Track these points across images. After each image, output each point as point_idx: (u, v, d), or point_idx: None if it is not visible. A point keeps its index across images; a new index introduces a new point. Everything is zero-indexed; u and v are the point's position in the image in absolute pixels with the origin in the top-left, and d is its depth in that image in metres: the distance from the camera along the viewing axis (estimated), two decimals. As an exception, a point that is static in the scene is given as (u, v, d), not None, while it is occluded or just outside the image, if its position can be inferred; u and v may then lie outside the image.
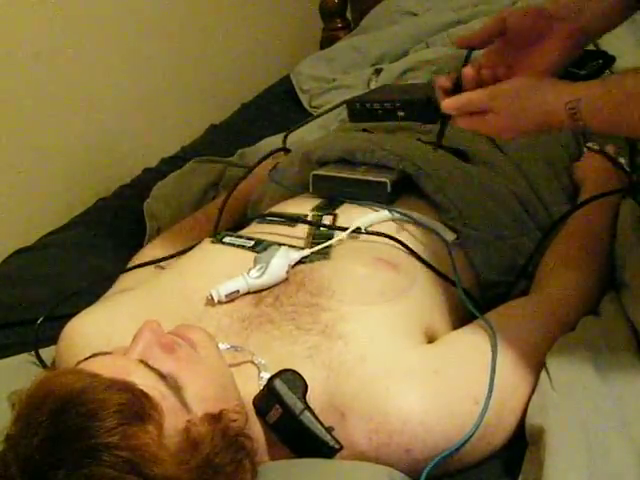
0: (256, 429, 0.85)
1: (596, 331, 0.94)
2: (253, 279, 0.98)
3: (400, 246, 1.05)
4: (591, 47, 1.56)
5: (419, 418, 0.83)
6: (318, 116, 1.70)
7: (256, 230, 1.14)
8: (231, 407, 0.81)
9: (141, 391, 0.73)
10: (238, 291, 0.98)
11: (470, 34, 0.97)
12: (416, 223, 1.11)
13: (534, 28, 0.94)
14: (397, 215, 1.12)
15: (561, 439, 0.78)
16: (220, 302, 0.97)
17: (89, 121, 1.75)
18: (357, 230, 1.07)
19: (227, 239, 1.10)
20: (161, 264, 1.17)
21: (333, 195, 1.19)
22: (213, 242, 1.11)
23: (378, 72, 1.79)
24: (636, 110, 0.81)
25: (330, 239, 1.06)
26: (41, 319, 1.15)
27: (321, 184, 1.21)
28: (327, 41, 2.36)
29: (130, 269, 1.21)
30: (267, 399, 0.85)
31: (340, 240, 1.06)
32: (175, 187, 1.56)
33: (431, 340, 0.96)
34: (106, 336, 0.95)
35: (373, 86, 1.76)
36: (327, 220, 1.13)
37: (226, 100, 2.09)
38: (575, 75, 1.44)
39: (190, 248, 1.14)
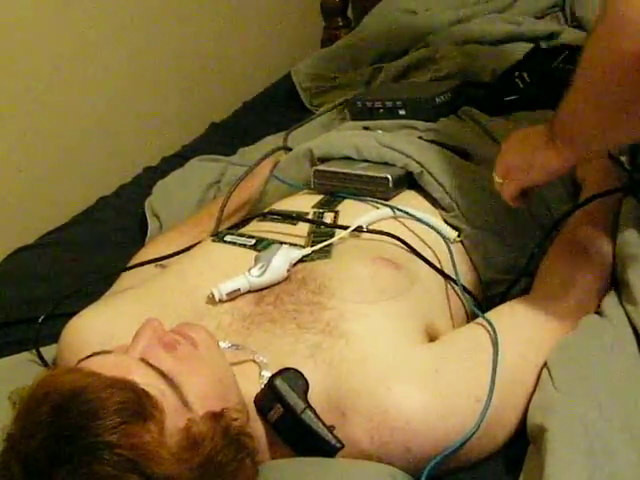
0: (257, 428, 0.85)
1: (598, 330, 0.93)
2: (254, 278, 0.98)
3: (401, 244, 1.06)
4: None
5: (420, 417, 0.83)
6: (319, 115, 1.70)
7: (257, 228, 1.13)
8: (232, 406, 0.81)
9: (142, 390, 0.73)
10: (239, 290, 0.98)
11: None
12: (417, 221, 1.11)
13: None
14: (399, 213, 1.12)
15: (562, 438, 0.78)
16: (221, 301, 0.97)
17: (90, 119, 1.75)
18: (358, 229, 1.07)
19: (228, 238, 1.10)
20: (162, 263, 1.17)
21: (334, 191, 1.19)
22: (214, 241, 1.11)
23: (379, 70, 1.79)
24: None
25: (331, 237, 1.06)
26: (42, 317, 1.15)
27: (323, 180, 1.21)
28: (328, 40, 2.36)
29: (131, 267, 1.21)
30: (268, 398, 0.85)
31: (341, 238, 1.06)
32: (176, 186, 1.56)
33: (432, 339, 0.96)
34: (107, 335, 0.95)
35: (374, 85, 1.76)
36: (328, 217, 1.13)
37: (227, 99, 2.09)
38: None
39: (191, 247, 1.14)
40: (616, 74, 0.77)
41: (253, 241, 1.08)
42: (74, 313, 1.03)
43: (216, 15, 2.15)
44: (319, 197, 1.19)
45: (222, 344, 0.90)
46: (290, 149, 1.43)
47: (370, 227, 1.08)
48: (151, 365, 0.78)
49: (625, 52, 0.74)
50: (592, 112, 0.83)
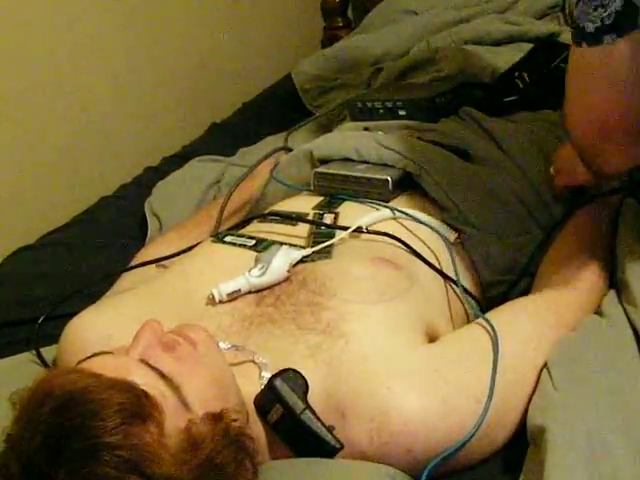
0: (257, 429, 0.85)
1: (597, 331, 0.93)
2: (254, 278, 0.98)
3: (401, 245, 1.06)
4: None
5: (420, 417, 0.83)
6: (319, 115, 1.70)
7: (257, 229, 1.13)
8: (232, 406, 0.81)
9: (142, 391, 0.73)
10: (239, 290, 0.98)
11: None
12: (417, 222, 1.11)
13: None
14: (398, 214, 1.12)
15: (562, 439, 0.78)
16: (221, 301, 0.97)
17: (90, 119, 1.75)
18: (359, 229, 1.07)
19: (228, 238, 1.10)
20: (163, 263, 1.17)
21: (335, 193, 1.19)
22: (214, 241, 1.11)
23: (379, 71, 1.79)
24: None
25: (331, 238, 1.06)
26: (42, 318, 1.15)
27: (323, 181, 1.21)
28: (328, 40, 2.37)
29: (131, 268, 1.21)
30: (268, 399, 0.85)
31: (341, 239, 1.06)
32: (176, 186, 1.56)
33: (432, 339, 0.96)
34: (107, 335, 0.95)
35: (374, 85, 1.76)
36: (328, 219, 1.13)
37: (227, 99, 2.09)
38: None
39: (191, 247, 1.14)
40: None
41: (253, 242, 1.08)
42: (74, 314, 1.03)
43: (216, 15, 2.15)
44: (319, 199, 1.19)
45: (222, 345, 0.90)
46: (290, 150, 1.43)
47: (370, 228, 1.08)
48: (151, 366, 0.78)
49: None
50: (588, 157, 0.95)
